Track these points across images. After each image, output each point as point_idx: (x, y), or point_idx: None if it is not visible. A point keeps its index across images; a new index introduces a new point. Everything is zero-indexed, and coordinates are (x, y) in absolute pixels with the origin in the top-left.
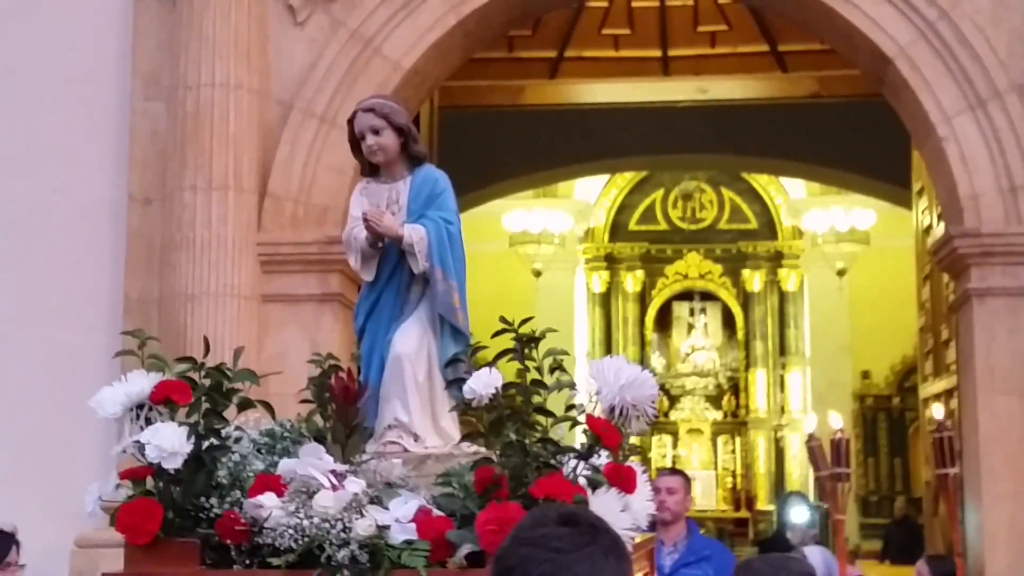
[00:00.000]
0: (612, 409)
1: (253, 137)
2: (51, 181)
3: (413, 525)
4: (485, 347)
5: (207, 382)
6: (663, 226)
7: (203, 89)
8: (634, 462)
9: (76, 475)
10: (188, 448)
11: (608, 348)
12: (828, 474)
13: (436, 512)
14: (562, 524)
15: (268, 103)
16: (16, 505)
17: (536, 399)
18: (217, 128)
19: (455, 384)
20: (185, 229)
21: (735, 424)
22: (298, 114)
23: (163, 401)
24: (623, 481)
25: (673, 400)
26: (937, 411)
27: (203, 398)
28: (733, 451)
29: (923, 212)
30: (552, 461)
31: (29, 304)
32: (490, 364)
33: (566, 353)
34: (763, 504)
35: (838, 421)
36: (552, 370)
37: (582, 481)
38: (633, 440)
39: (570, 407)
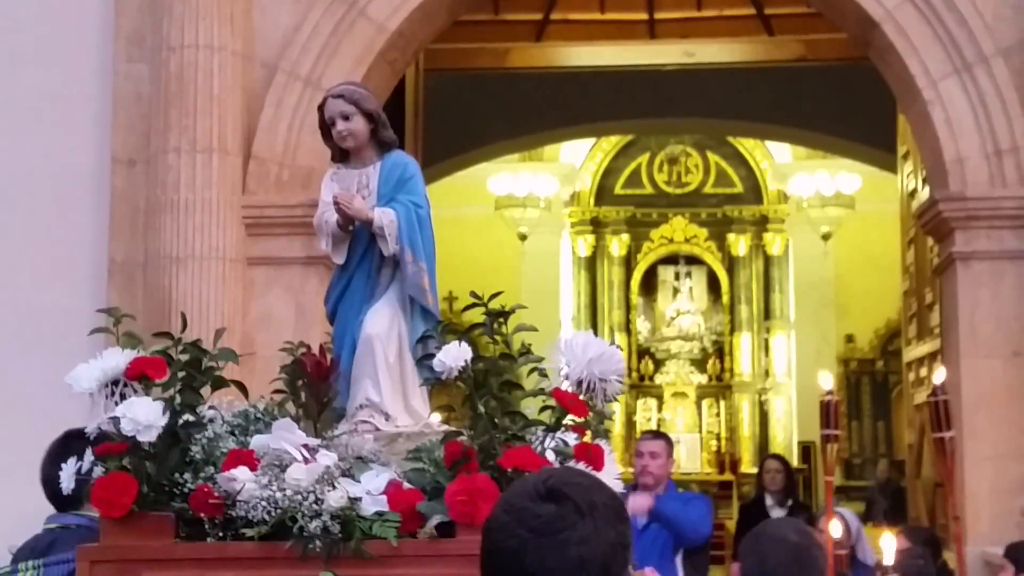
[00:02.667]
0: (580, 383)
1: (237, 99)
2: (34, 143)
3: (384, 497)
4: (456, 324)
5: (185, 357)
6: (649, 190)
7: (187, 51)
8: (602, 442)
9: (57, 434)
10: (163, 422)
11: (593, 312)
12: (821, 435)
13: (407, 485)
14: (548, 500)
15: (252, 65)
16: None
17: (509, 372)
18: (201, 90)
19: (425, 363)
20: (170, 191)
21: (720, 387)
22: (282, 76)
23: (138, 377)
24: (592, 459)
25: (658, 364)
26: (939, 375)
27: (179, 374)
28: (718, 414)
29: (908, 176)
30: (521, 434)
31: (12, 267)
32: (460, 337)
33: (535, 329)
34: (747, 467)
35: (829, 382)
36: (521, 354)
37: (550, 455)
38: (604, 425)
39: (540, 391)
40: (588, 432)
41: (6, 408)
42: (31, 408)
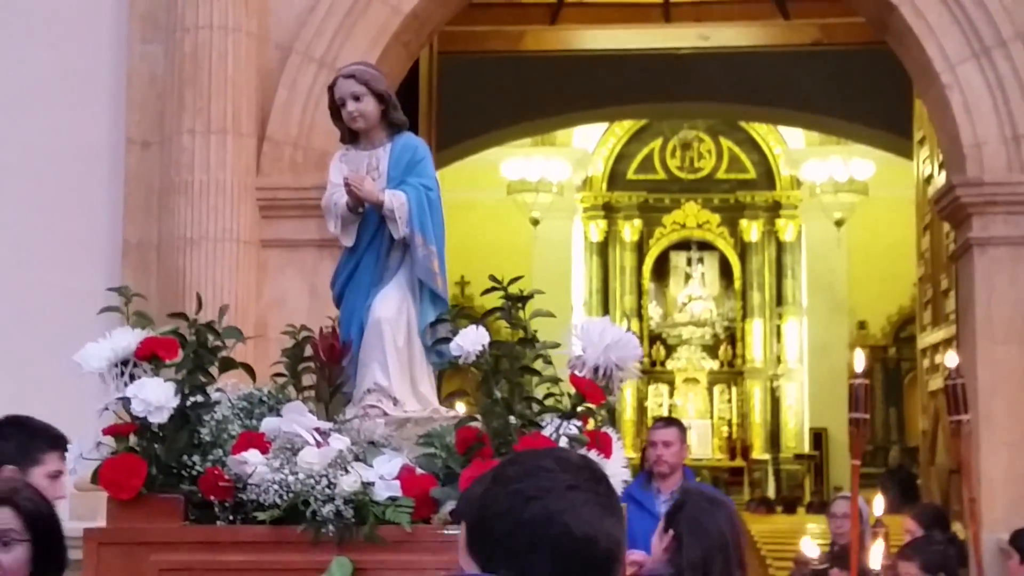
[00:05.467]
0: (597, 369)
1: (251, 80)
2: (49, 124)
3: (397, 482)
4: (469, 309)
5: (196, 338)
6: (661, 175)
7: (201, 31)
8: (609, 429)
9: (75, 417)
10: (174, 403)
11: (605, 297)
12: (850, 418)
13: (419, 471)
14: (587, 470)
15: (266, 46)
16: None
17: (525, 359)
18: (215, 71)
19: (435, 348)
20: (184, 173)
21: (731, 374)
22: (297, 58)
23: (149, 357)
24: (601, 446)
25: (670, 349)
26: (951, 359)
27: (191, 354)
28: (729, 400)
29: (924, 161)
30: (536, 420)
31: (27, 247)
32: (478, 321)
33: (552, 315)
34: (759, 453)
35: (861, 364)
36: (531, 340)
37: (563, 441)
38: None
39: (555, 378)
40: (591, 419)
41: (20, 388)
42: (46, 389)
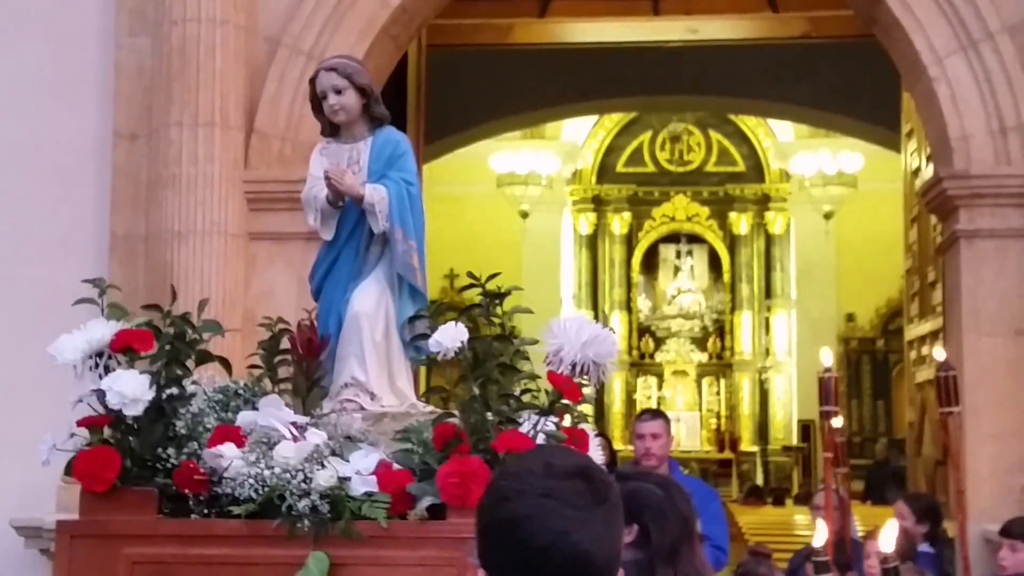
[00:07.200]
0: (574, 366)
1: (239, 73)
2: (36, 117)
3: (374, 478)
4: (456, 303)
5: (172, 331)
6: (651, 168)
7: (189, 24)
8: (585, 426)
9: (62, 409)
10: (150, 395)
11: (594, 290)
12: (820, 412)
13: (396, 466)
14: (578, 478)
15: (255, 39)
16: (3, 440)
17: (501, 356)
18: (203, 64)
19: (413, 343)
20: (171, 166)
21: (720, 366)
22: (285, 51)
23: (123, 349)
24: (577, 443)
25: (659, 342)
26: (938, 353)
27: (167, 347)
28: (718, 393)
29: (912, 154)
30: (514, 417)
31: (13, 241)
32: (458, 317)
33: (530, 311)
34: (747, 445)
35: (829, 359)
36: (512, 336)
37: (541, 438)
38: (584, 408)
39: (534, 375)
40: (567, 415)
41: (8, 383)
42: (33, 383)
